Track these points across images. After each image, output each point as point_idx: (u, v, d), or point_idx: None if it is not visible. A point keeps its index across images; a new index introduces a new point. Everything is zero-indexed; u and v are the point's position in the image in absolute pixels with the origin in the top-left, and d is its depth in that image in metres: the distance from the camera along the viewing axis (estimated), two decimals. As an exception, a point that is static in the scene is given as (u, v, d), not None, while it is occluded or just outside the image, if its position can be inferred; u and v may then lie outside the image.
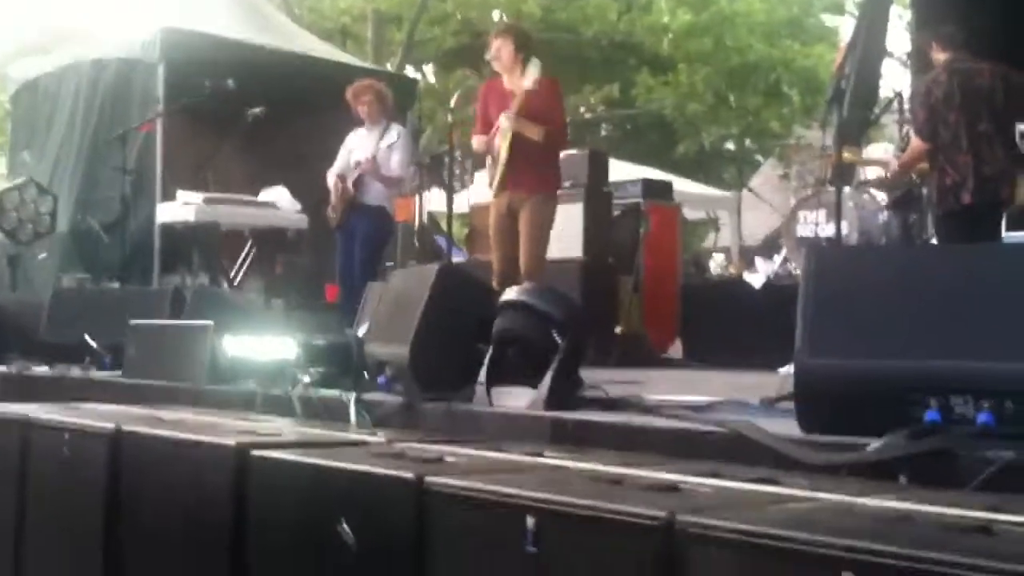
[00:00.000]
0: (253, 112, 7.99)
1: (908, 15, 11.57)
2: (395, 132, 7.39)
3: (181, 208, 8.02)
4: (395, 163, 7.30)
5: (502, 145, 6.08)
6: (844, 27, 23.19)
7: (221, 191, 8.05)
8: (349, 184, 7.25)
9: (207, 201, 7.84)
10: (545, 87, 6.10)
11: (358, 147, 7.41)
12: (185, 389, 4.61)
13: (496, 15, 21.82)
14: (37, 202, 8.53)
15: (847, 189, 6.91)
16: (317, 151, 7.78)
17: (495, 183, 6.17)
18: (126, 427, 3.17)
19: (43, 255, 9.02)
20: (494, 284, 5.70)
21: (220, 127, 8.08)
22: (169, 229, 8.35)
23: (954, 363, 2.57)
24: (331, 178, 7.39)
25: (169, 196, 8.39)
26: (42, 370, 5.64)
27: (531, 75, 6.00)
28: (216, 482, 2.76)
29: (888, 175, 7.09)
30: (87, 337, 5.63)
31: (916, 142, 6.15)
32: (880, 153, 7.50)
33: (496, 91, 6.30)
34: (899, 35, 14.50)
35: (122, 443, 3.12)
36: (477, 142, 6.40)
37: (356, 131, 7.53)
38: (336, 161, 7.48)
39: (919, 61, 8.12)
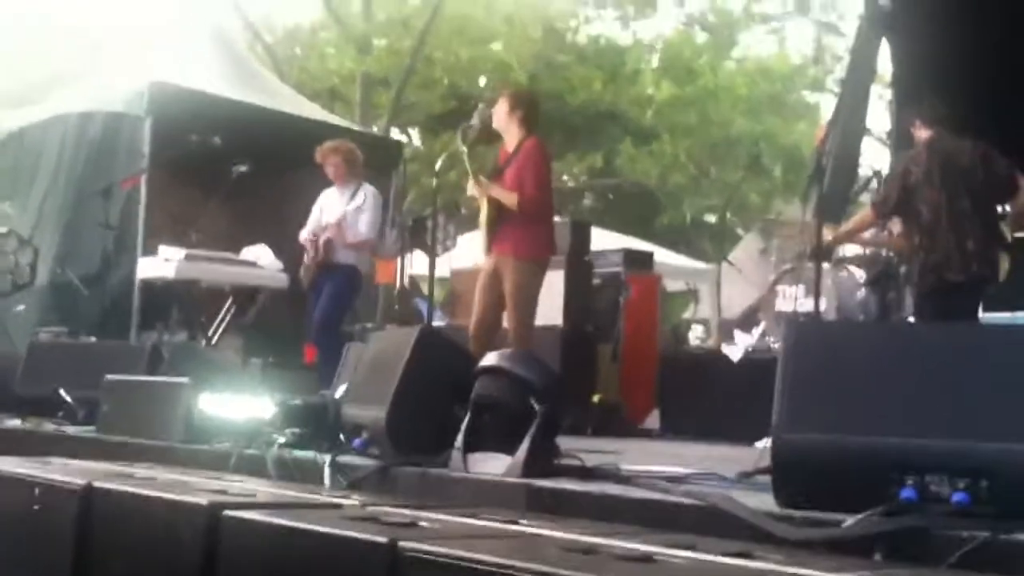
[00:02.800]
0: (238, 169, 8.02)
1: (889, 94, 11.77)
2: (363, 194, 7.38)
3: (162, 264, 8.00)
4: (363, 225, 7.31)
5: (482, 208, 6.16)
6: (825, 104, 23.59)
7: (204, 247, 8.04)
8: (320, 245, 7.24)
9: (188, 258, 7.83)
10: (526, 147, 6.18)
11: (328, 207, 7.42)
12: (159, 446, 4.57)
13: (483, 81, 22.07)
14: (17, 253, 8.49)
15: (826, 265, 6.97)
16: (301, 210, 7.79)
17: (483, 243, 6.26)
18: (97, 483, 3.13)
19: (21, 307, 8.96)
20: (470, 343, 5.74)
21: (204, 183, 8.11)
22: (149, 285, 8.32)
23: (930, 441, 2.58)
24: (303, 237, 7.39)
25: (151, 251, 8.37)
26: (14, 423, 5.58)
27: (511, 133, 6.12)
28: (187, 541, 2.72)
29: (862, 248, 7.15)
30: (61, 391, 5.59)
31: (867, 211, 6.28)
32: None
33: (501, 155, 6.43)
34: (879, 114, 14.74)
35: (93, 499, 3.08)
36: (474, 187, 6.40)
37: (327, 191, 7.55)
38: (308, 221, 7.49)
39: (900, 139, 8.24)
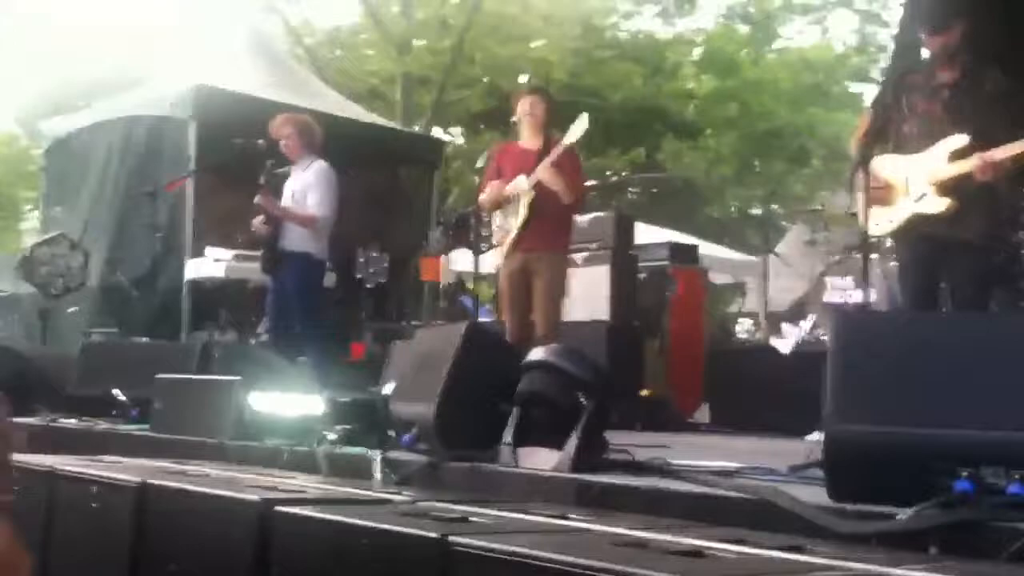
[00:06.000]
0: (282, 171, 8.06)
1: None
2: (313, 170, 6.98)
3: (210, 264, 8.09)
4: (312, 203, 6.90)
5: (522, 204, 6.11)
6: (868, 94, 23.33)
7: (250, 248, 8.11)
8: (267, 222, 6.89)
9: (236, 258, 7.90)
10: (565, 153, 6.15)
11: (287, 188, 7.08)
12: (211, 444, 4.62)
13: (523, 79, 22.04)
14: (68, 257, 8.61)
15: (874, 256, 6.89)
16: (345, 209, 7.82)
17: (508, 243, 6.18)
18: (152, 480, 3.17)
19: (73, 309, 9.09)
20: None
21: (249, 185, 8.18)
22: (198, 285, 8.41)
23: (985, 433, 2.55)
24: (257, 221, 7.03)
25: (199, 253, 8.46)
26: (70, 422, 5.67)
27: (575, 132, 6.03)
28: (240, 537, 2.75)
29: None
30: (115, 391, 5.66)
31: None
32: None
33: (513, 153, 6.33)
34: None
35: (148, 496, 3.13)
36: (485, 195, 6.40)
37: (292, 170, 7.19)
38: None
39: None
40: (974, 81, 4.71)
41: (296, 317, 6.83)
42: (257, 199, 6.90)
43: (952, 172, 4.57)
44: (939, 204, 4.62)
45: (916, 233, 4.75)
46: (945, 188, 4.60)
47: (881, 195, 4.66)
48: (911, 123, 4.79)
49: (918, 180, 4.68)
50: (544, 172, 5.98)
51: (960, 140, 4.58)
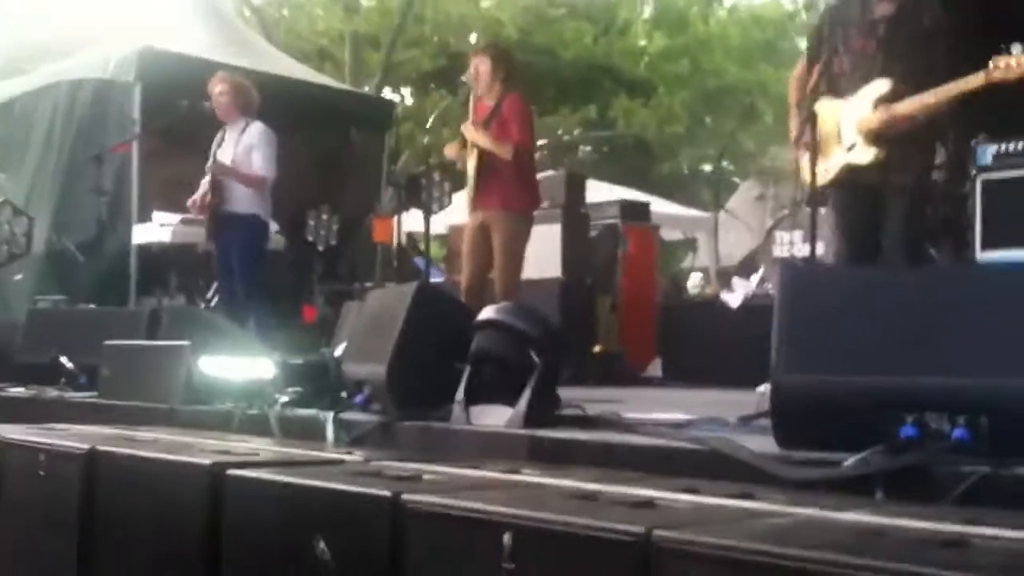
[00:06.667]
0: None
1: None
2: (254, 131, 6.95)
3: (157, 229, 7.99)
4: (257, 164, 6.87)
5: (469, 165, 6.14)
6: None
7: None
8: (211, 186, 6.82)
9: (184, 222, 7.81)
10: (508, 101, 6.16)
11: (220, 149, 7.02)
12: (161, 410, 4.58)
13: (473, 38, 21.89)
14: (12, 223, 8.46)
15: (822, 210, 6.94)
16: (294, 172, 7.75)
17: (468, 200, 6.24)
18: (101, 447, 3.14)
19: (18, 276, 8.96)
20: (462, 300, 5.72)
21: (197, 148, 8.08)
22: (146, 250, 8.32)
23: (929, 379, 2.58)
24: (202, 187, 6.95)
25: (146, 217, 8.36)
26: (17, 391, 5.60)
27: (494, 90, 6.08)
28: (191, 501, 2.74)
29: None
30: (62, 358, 5.59)
31: None
32: None
33: (477, 111, 6.36)
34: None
35: (97, 463, 3.09)
36: (448, 148, 6.46)
37: (222, 131, 7.14)
38: (207, 170, 7.03)
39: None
40: (912, 15, 4.51)
41: (242, 279, 6.78)
42: (211, 167, 6.81)
43: (877, 120, 4.41)
44: (868, 154, 4.47)
45: (850, 183, 4.61)
46: (873, 136, 4.44)
47: (818, 144, 4.45)
48: (844, 60, 4.58)
49: (848, 128, 4.53)
50: (470, 134, 6.05)
51: (884, 85, 4.41)
